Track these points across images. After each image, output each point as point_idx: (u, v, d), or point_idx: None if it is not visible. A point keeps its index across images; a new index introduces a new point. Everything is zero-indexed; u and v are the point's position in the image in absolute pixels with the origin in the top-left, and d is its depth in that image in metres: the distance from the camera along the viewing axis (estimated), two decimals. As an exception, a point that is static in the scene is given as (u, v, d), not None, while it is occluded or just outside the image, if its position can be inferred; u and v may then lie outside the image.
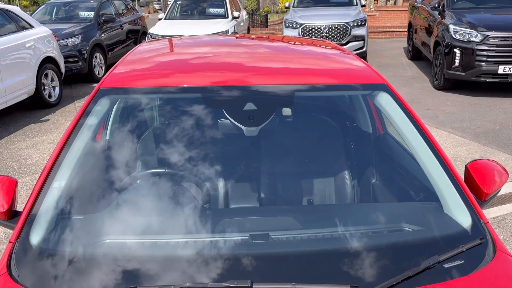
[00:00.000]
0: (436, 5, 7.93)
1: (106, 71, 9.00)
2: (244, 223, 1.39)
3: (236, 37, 2.70)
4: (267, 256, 1.26)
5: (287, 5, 10.79)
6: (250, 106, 1.67)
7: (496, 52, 6.56)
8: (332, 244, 1.32)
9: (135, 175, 1.61)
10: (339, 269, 1.22)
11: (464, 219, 1.42)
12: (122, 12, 10.68)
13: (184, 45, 2.30)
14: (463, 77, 6.89)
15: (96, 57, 8.78)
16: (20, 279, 1.20)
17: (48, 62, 6.73)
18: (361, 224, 1.44)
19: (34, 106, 6.61)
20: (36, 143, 5.23)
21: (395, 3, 22.41)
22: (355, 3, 10.34)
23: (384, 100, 1.80)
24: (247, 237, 1.32)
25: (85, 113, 1.65)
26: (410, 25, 10.43)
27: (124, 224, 1.42)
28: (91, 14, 9.24)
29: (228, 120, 1.69)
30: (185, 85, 1.70)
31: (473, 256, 1.29)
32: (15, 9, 6.56)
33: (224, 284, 1.13)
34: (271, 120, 1.70)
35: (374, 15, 17.25)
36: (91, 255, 1.27)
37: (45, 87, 6.68)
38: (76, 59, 8.16)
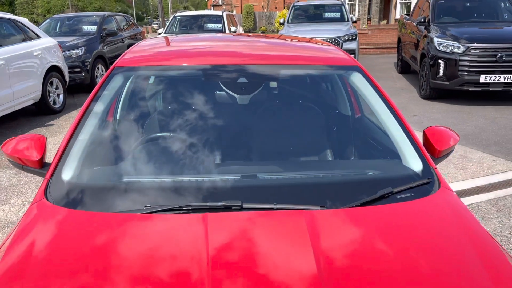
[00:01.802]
0: (422, 20, 8.38)
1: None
2: (237, 168, 1.70)
3: (232, 35, 3.05)
4: (254, 187, 1.57)
5: (281, 21, 11.26)
6: (242, 80, 2.00)
7: (477, 63, 6.96)
8: (307, 180, 1.63)
9: (145, 138, 1.93)
10: (312, 195, 1.52)
11: (417, 167, 1.73)
12: (123, 27, 11.12)
13: (184, 39, 2.66)
14: (447, 86, 7.27)
15: (98, 68, 9.15)
16: (54, 202, 1.50)
17: (53, 70, 7.08)
18: (332, 169, 1.76)
19: (40, 113, 6.92)
20: (42, 144, 5.52)
21: (387, 22, 23.12)
22: (346, 19, 10.82)
23: (357, 80, 2.13)
24: (239, 177, 1.63)
25: (102, 86, 1.98)
26: (399, 40, 10.89)
27: (138, 169, 1.73)
28: (94, 28, 9.65)
29: (224, 92, 2.03)
30: (188, 64, 2.04)
31: (420, 190, 1.60)
32: (23, 20, 6.93)
33: (219, 203, 1.43)
34: (260, 91, 2.03)
35: (367, 33, 17.80)
36: (111, 186, 1.58)
37: (50, 94, 7.01)
38: (79, 69, 8.52)
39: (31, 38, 6.81)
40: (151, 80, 2.19)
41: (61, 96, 7.31)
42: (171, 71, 2.07)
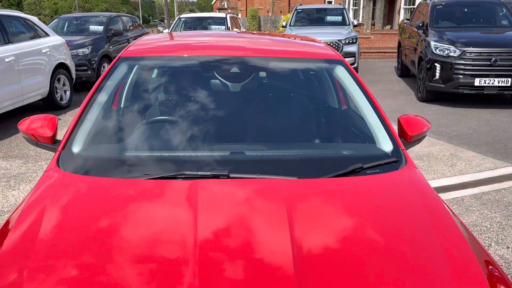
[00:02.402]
0: (421, 25, 8.59)
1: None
2: (226, 146, 1.92)
3: (227, 32, 3.27)
4: (241, 161, 1.79)
5: (284, 24, 11.50)
6: (234, 69, 2.22)
7: (472, 66, 7.16)
8: (288, 156, 1.84)
9: (146, 120, 2.14)
10: (291, 169, 1.73)
11: (388, 148, 1.93)
12: (129, 28, 11.39)
13: (183, 35, 2.88)
14: (443, 89, 7.47)
15: (104, 67, 9.40)
16: (65, 169, 1.72)
17: (61, 68, 7.33)
18: (312, 149, 1.97)
19: (47, 108, 7.16)
20: (49, 137, 5.75)
21: (391, 28, 23.30)
22: (347, 23, 11.04)
23: (340, 72, 2.35)
24: (228, 153, 1.85)
25: (108, 74, 2.20)
26: (399, 45, 11.10)
27: (139, 146, 1.95)
28: (100, 28, 9.92)
29: (218, 80, 2.25)
30: (187, 55, 2.26)
31: (388, 167, 1.80)
32: (33, 18, 7.19)
33: (209, 173, 1.64)
34: (250, 80, 2.25)
35: (370, 37, 18.01)
36: (115, 158, 1.80)
37: (57, 91, 7.26)
38: (85, 68, 8.77)
39: (40, 36, 7.06)
40: (154, 71, 2.41)
41: (68, 93, 7.56)
42: (171, 61, 2.30)
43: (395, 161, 1.84)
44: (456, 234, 1.46)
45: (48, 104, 7.12)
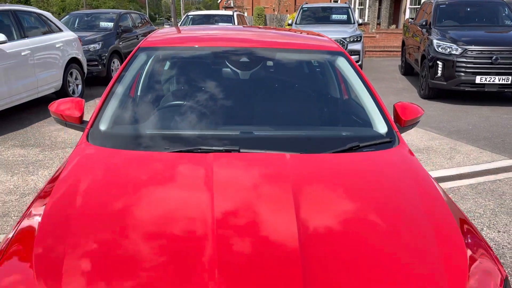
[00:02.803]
0: (424, 23, 8.76)
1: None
2: (237, 127, 2.13)
3: (236, 26, 3.49)
4: (250, 139, 2.00)
5: (290, 22, 11.69)
6: (244, 59, 2.43)
7: (473, 64, 7.32)
8: (293, 135, 2.06)
9: (164, 103, 2.37)
10: (295, 145, 1.94)
11: (383, 130, 2.14)
12: (138, 25, 11.63)
13: (196, 28, 3.10)
14: (445, 86, 7.64)
15: (114, 62, 9.64)
16: (94, 143, 1.94)
17: (73, 62, 7.57)
18: (314, 130, 2.18)
19: (59, 101, 7.40)
20: (63, 128, 5.99)
21: (397, 27, 23.39)
22: (352, 22, 11.22)
23: (342, 63, 2.55)
24: (238, 132, 2.06)
25: (129, 62, 2.42)
26: (403, 43, 11.26)
27: (160, 125, 2.18)
28: (110, 24, 10.16)
29: (229, 68, 2.46)
30: (201, 46, 2.49)
31: (383, 146, 2.01)
32: (47, 14, 7.43)
33: (222, 148, 1.86)
34: (258, 68, 2.46)
35: (375, 37, 18.16)
36: (138, 134, 2.02)
37: (70, 84, 7.50)
38: (96, 63, 9.01)
39: (53, 31, 7.30)
40: (171, 60, 2.63)
41: (80, 87, 7.80)
42: (186, 51, 2.52)
43: (389, 141, 2.05)
44: (437, 199, 1.66)
45: (61, 97, 7.33)
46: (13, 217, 3.40)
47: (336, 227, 1.45)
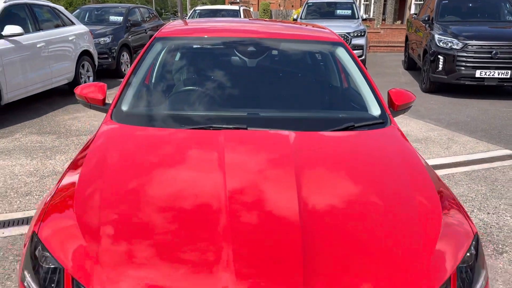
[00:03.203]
0: (427, 18, 8.93)
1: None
2: (245, 109, 2.37)
3: (244, 19, 3.74)
4: (256, 118, 2.24)
5: (295, 17, 11.89)
6: (251, 48, 2.67)
7: (474, 58, 7.51)
8: (296, 116, 2.30)
9: (179, 88, 2.61)
10: (298, 125, 2.18)
11: (377, 113, 2.37)
12: (146, 19, 11.86)
13: (207, 20, 3.33)
14: (446, 80, 7.82)
15: (123, 55, 9.89)
16: (117, 121, 2.19)
17: (85, 55, 7.82)
18: (315, 112, 2.42)
19: (72, 92, 7.65)
20: (76, 117, 6.26)
21: (402, 23, 23.47)
22: (357, 17, 11.40)
23: (341, 53, 2.78)
24: (246, 114, 2.30)
25: (146, 51, 2.66)
26: (407, 38, 11.43)
27: (177, 107, 2.43)
28: (120, 18, 10.40)
29: (238, 57, 2.70)
30: (212, 36, 2.72)
31: (375, 126, 2.24)
32: (60, 8, 7.69)
33: (231, 126, 2.10)
34: (264, 57, 2.69)
35: (379, 32, 18.30)
36: (157, 114, 2.27)
37: (82, 76, 7.76)
38: (106, 56, 9.27)
39: (66, 25, 7.55)
40: (184, 49, 2.88)
41: (91, 78, 8.06)
42: (198, 41, 2.76)
43: (381, 122, 2.28)
44: (420, 169, 1.90)
45: (73, 88, 7.60)
46: (35, 196, 3.66)
47: (330, 194, 1.68)
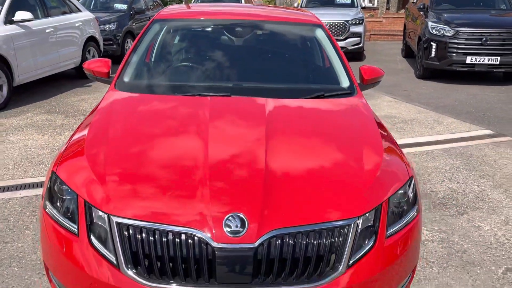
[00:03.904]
0: (422, 6, 9.18)
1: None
2: (231, 80, 2.73)
3: (237, 4, 4.10)
4: (240, 88, 2.60)
5: (295, 5, 12.14)
6: (238, 29, 3.02)
7: (464, 45, 7.77)
8: (274, 86, 2.65)
9: (175, 63, 2.97)
10: (275, 93, 2.53)
11: (346, 85, 2.72)
12: (150, 7, 12.17)
13: (203, 5, 3.67)
14: (438, 66, 8.10)
15: (127, 42, 10.23)
16: (119, 89, 2.56)
17: (91, 40, 8.17)
18: (291, 84, 2.77)
19: (78, 76, 8.03)
20: (84, 99, 6.64)
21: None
22: (356, 5, 11.64)
23: (320, 34, 3.12)
24: (231, 84, 2.66)
25: (145, 32, 3.01)
26: (405, 27, 11.67)
27: (170, 79, 2.78)
28: (124, 6, 10.72)
29: (226, 36, 3.05)
30: (204, 18, 3.07)
31: (343, 95, 2.59)
32: (67, -5, 8.02)
33: (217, 94, 2.45)
34: (250, 36, 3.04)
35: (381, 21, 18.47)
36: (153, 83, 2.64)
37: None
38: (111, 42, 9.60)
39: (73, 11, 7.89)
40: (179, 29, 3.24)
41: (97, 63, 8.41)
42: (192, 23, 3.12)
43: (348, 92, 2.63)
44: (371, 124, 2.26)
45: (80, 73, 7.97)
46: (47, 165, 4.05)
47: (292, 141, 2.05)
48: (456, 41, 7.81)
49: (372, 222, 1.71)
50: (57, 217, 1.76)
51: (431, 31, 8.17)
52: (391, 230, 1.75)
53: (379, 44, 14.70)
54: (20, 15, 6.19)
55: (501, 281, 2.52)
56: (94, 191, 1.72)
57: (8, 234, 2.86)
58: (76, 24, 7.70)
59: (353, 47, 10.66)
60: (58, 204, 1.79)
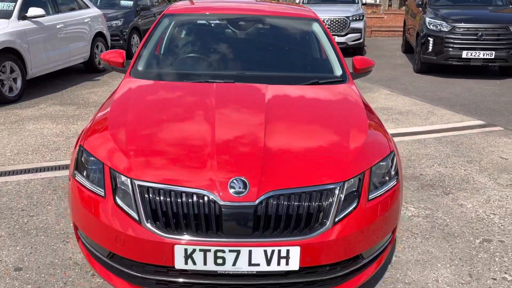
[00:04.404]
0: (420, 3, 9.42)
1: (141, 50, 10.77)
2: (234, 69, 3.02)
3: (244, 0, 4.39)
4: (243, 75, 2.89)
5: (297, 1, 12.39)
6: (241, 23, 3.31)
7: (460, 40, 8.02)
8: (273, 75, 2.93)
9: (184, 53, 3.26)
10: (274, 80, 2.81)
11: (339, 74, 3.00)
12: (155, 4, 12.45)
13: (208, 1, 3.97)
14: (435, 61, 8.35)
15: (133, 38, 10.51)
16: (134, 77, 2.86)
17: (99, 36, 8.46)
18: (289, 72, 3.05)
19: (87, 70, 8.33)
20: (93, 91, 6.93)
21: (406, 9, 23.62)
22: (356, 1, 11.88)
23: (316, 28, 3.40)
24: (235, 72, 2.95)
25: (156, 25, 3.31)
26: (404, 23, 11.90)
27: (180, 67, 3.07)
28: (130, 3, 11.00)
29: (230, 29, 3.34)
30: (209, 13, 3.36)
31: (336, 82, 2.88)
32: (76, -8, 8.31)
33: (222, 81, 2.74)
34: (252, 29, 3.33)
35: (383, 17, 18.68)
36: (165, 72, 2.95)
37: (96, 56, 8.40)
38: (118, 38, 9.88)
39: (81, 8, 8.18)
40: (187, 23, 3.54)
41: (104, 58, 8.71)
42: (199, 17, 3.41)
43: (341, 80, 2.91)
44: (359, 107, 2.55)
45: (88, 67, 8.29)
46: (63, 151, 4.34)
47: (288, 117, 2.37)
48: (453, 36, 8.05)
49: (356, 187, 2.00)
50: (86, 183, 2.05)
51: (428, 27, 8.41)
52: (372, 195, 2.03)
53: (380, 40, 14.93)
54: (33, 11, 6.48)
55: (477, 249, 2.79)
56: (118, 160, 2.01)
57: (33, 209, 3.16)
58: (85, 20, 7.99)
59: (353, 42, 10.91)
60: (85, 172, 2.08)
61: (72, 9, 7.91)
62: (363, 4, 12.21)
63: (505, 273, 2.56)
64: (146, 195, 1.89)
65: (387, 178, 2.14)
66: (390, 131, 5.23)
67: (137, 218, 1.88)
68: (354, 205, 1.97)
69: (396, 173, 2.21)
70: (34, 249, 2.67)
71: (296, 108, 2.47)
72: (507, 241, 2.90)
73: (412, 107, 6.41)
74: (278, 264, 1.83)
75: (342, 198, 1.93)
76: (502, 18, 8.21)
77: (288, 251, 1.82)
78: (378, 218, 2.02)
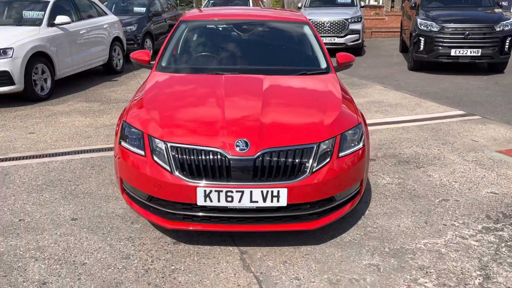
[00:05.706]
0: (413, 5, 10.10)
1: (153, 54, 11.52)
2: (239, 65, 3.75)
3: (243, 7, 5.15)
4: (246, 69, 3.63)
5: (299, 5, 13.10)
6: (245, 27, 4.05)
7: (449, 39, 8.68)
8: (272, 68, 3.67)
9: (198, 53, 3.99)
10: (271, 72, 3.53)
11: (323, 67, 3.72)
12: (165, 10, 13.24)
13: (218, 9, 4.70)
14: (426, 59, 9.02)
15: (146, 42, 11.29)
16: (159, 71, 3.61)
17: (116, 40, 9.24)
18: (283, 66, 3.77)
19: (106, 72, 9.11)
20: (113, 90, 7.70)
21: (408, 10, 24.17)
22: (355, 4, 12.58)
23: (306, 30, 4.12)
24: (240, 67, 3.69)
25: (174, 30, 4.04)
26: (401, 24, 12.56)
27: (196, 64, 3.82)
28: (143, 9, 11.80)
29: (236, 32, 4.08)
30: (219, 19, 4.11)
31: (320, 73, 3.60)
32: (96, 0, 9.10)
33: (230, 73, 3.47)
34: (253, 32, 4.06)
35: (384, 19, 19.34)
36: (183, 67, 3.69)
37: (114, 59, 9.18)
38: (132, 42, 10.67)
39: (100, 15, 8.97)
40: (200, 27, 4.28)
41: (121, 61, 9.49)
42: (210, 22, 4.17)
43: (325, 71, 3.63)
44: (336, 90, 3.26)
45: (107, 69, 9.06)
46: (94, 139, 5.09)
47: (280, 96, 3.13)
48: (442, 35, 8.72)
49: (329, 148, 2.70)
50: (129, 148, 2.78)
51: (420, 27, 9.09)
52: (341, 153, 2.74)
53: (379, 41, 15.60)
54: (60, 19, 7.27)
55: (435, 205, 3.48)
56: (154, 129, 2.74)
57: (77, 180, 3.90)
58: (104, 26, 8.78)
59: (352, 43, 11.60)
60: (128, 140, 2.82)
61: (92, 16, 8.69)
62: (363, 7, 12.88)
63: (455, 221, 3.24)
64: (175, 153, 2.60)
65: (355, 143, 2.84)
66: (378, 120, 5.93)
67: (169, 169, 2.59)
68: (327, 160, 2.67)
69: (362, 139, 2.91)
70: (84, 206, 3.40)
71: (287, 92, 3.21)
72: (461, 200, 3.58)
73: (401, 100, 7.08)
74: (272, 201, 2.54)
75: (318, 155, 2.64)
76: (488, 18, 8.86)
77: (278, 191, 2.53)
78: (345, 170, 2.72)
